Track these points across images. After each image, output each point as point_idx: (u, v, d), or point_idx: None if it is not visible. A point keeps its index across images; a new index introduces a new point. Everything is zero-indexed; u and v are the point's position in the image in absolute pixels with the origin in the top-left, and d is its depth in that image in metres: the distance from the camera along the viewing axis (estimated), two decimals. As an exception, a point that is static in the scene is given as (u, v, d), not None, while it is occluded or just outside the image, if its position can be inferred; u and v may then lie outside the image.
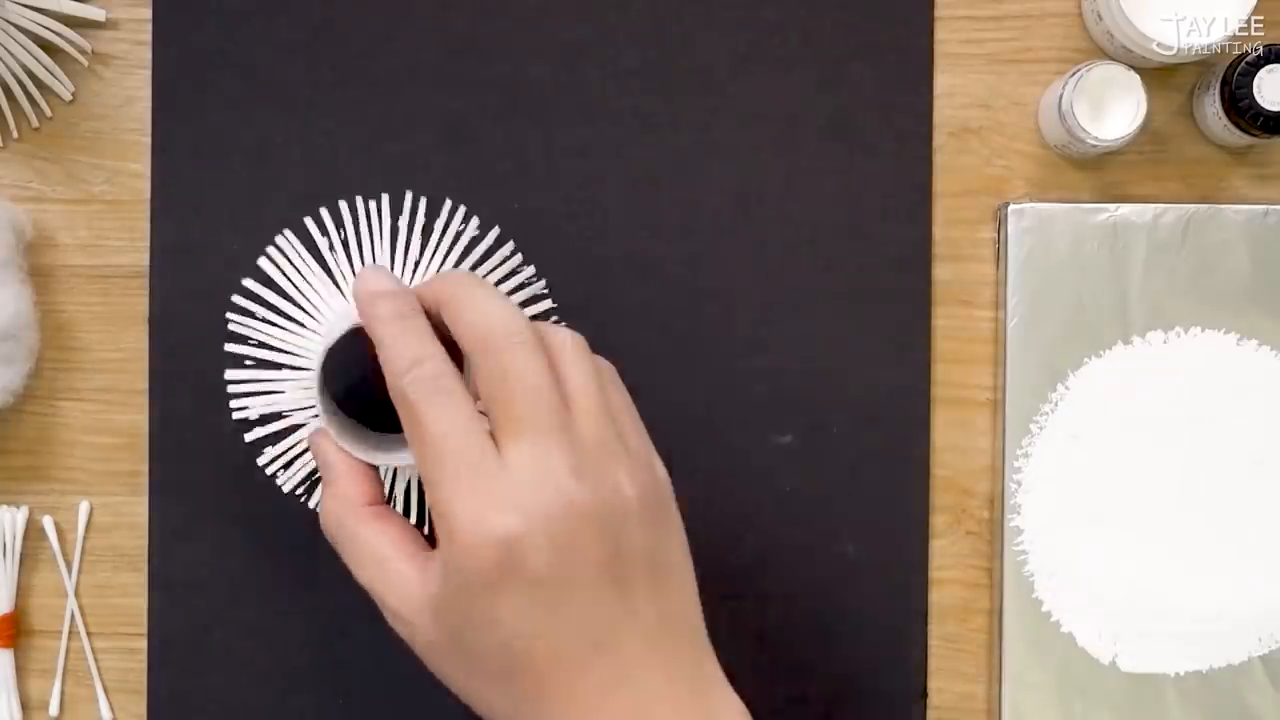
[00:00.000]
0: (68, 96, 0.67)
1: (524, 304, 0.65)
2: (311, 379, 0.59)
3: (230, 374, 0.63)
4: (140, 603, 0.67)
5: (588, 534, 0.48)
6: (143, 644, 0.67)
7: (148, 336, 0.67)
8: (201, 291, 0.67)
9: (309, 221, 0.63)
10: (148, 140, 0.67)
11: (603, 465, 0.49)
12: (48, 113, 0.67)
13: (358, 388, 0.57)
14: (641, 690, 0.48)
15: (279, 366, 0.62)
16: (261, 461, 0.65)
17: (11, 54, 0.65)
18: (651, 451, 0.52)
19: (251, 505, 0.67)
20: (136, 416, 0.67)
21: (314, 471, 0.65)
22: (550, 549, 0.47)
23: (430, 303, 0.53)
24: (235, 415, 0.64)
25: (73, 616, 0.67)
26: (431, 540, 0.51)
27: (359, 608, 0.66)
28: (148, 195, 0.67)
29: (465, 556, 0.47)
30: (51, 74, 0.66)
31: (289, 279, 0.62)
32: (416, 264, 0.62)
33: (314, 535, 0.67)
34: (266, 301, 0.62)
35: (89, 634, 0.68)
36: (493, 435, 0.49)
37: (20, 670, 0.68)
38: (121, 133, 0.67)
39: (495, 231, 0.64)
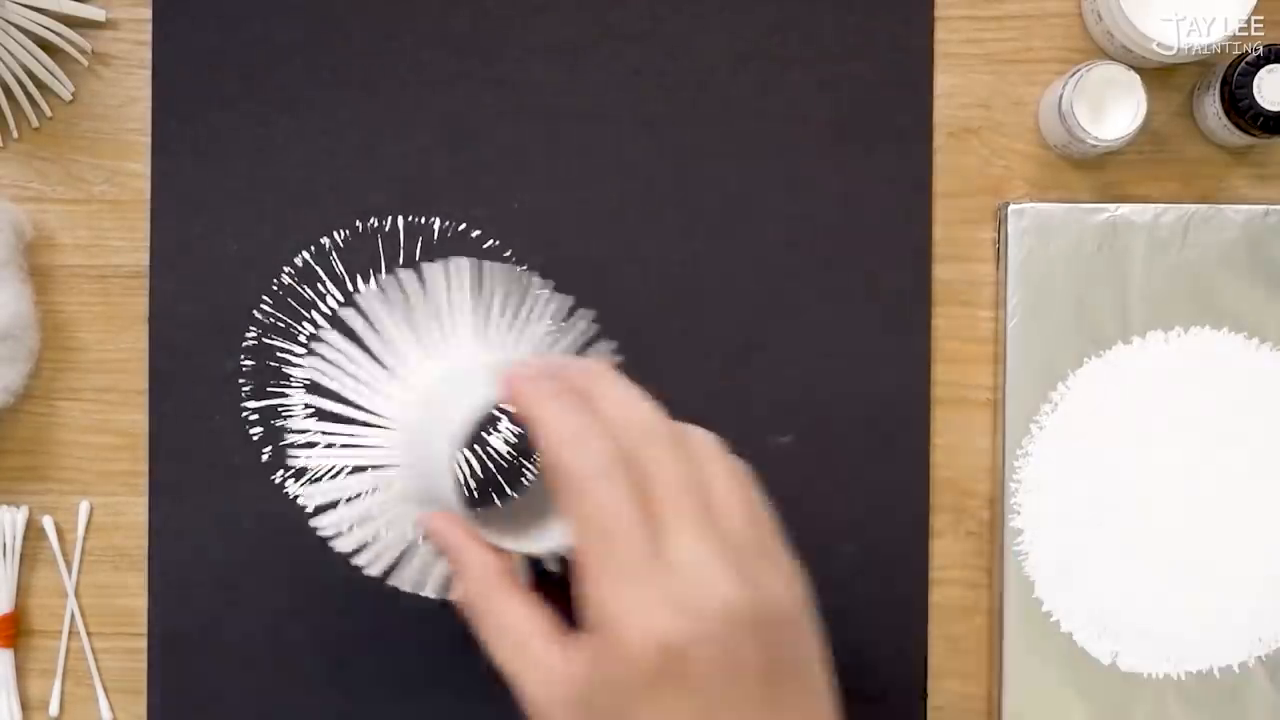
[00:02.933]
0: (68, 96, 0.67)
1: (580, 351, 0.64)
2: (387, 440, 0.56)
3: (297, 423, 0.63)
4: (140, 603, 0.67)
5: (749, 641, 0.46)
6: (143, 644, 0.67)
7: (148, 336, 0.67)
8: (201, 291, 0.67)
9: (401, 274, 0.60)
10: (148, 140, 0.67)
11: (759, 569, 0.47)
12: (48, 113, 0.67)
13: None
14: None
15: (353, 421, 0.58)
16: (325, 533, 0.60)
17: (11, 54, 0.65)
18: (787, 552, 0.50)
19: (251, 505, 0.67)
20: (136, 416, 0.67)
21: (334, 504, 0.60)
22: (712, 655, 0.45)
23: (565, 392, 0.51)
24: (302, 461, 0.61)
25: (73, 616, 0.67)
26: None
27: (359, 608, 0.67)
28: (148, 195, 0.67)
29: (622, 655, 0.45)
30: (51, 74, 0.66)
31: (374, 327, 0.59)
32: (481, 330, 0.59)
33: (313, 536, 0.67)
34: (344, 351, 0.59)
35: (89, 634, 0.68)
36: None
37: (20, 670, 0.68)
38: (121, 133, 0.67)
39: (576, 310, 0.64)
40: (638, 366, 0.67)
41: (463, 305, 0.59)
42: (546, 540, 0.54)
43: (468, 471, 0.67)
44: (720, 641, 0.45)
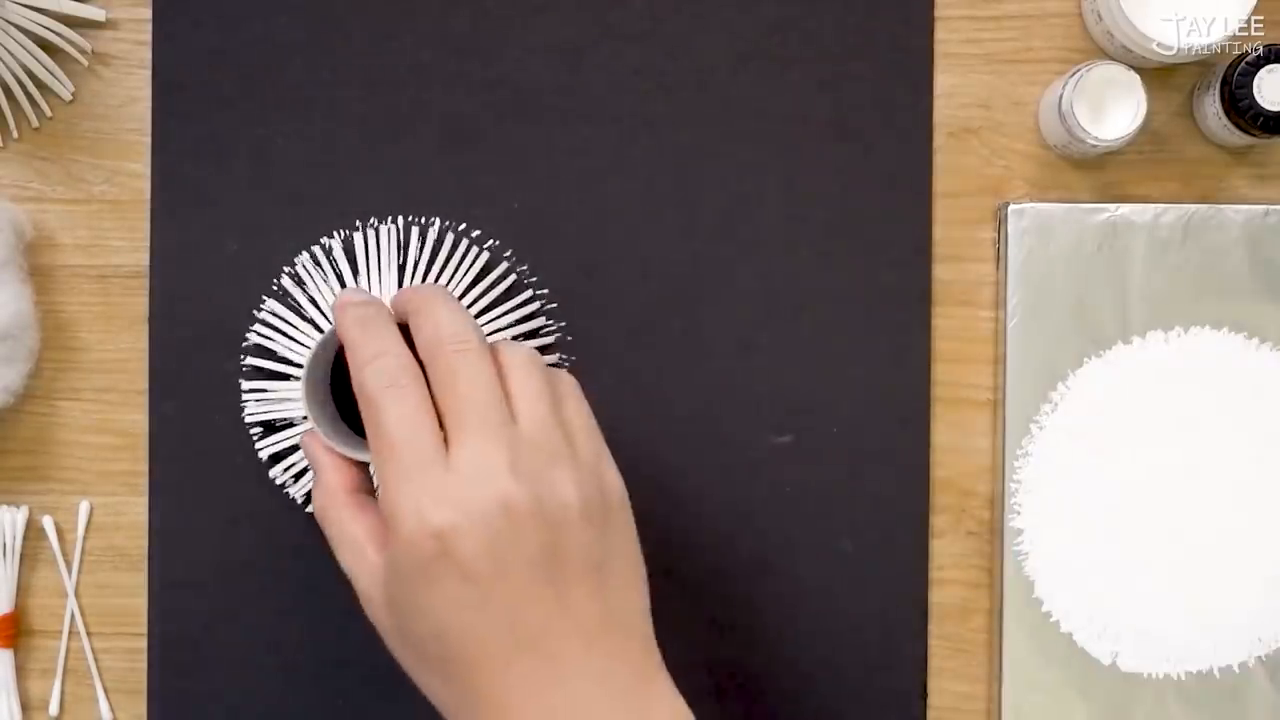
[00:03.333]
0: (68, 96, 0.67)
1: (528, 333, 0.66)
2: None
3: (245, 384, 0.66)
4: (140, 603, 0.67)
5: (523, 532, 0.49)
6: (143, 644, 0.67)
7: (148, 336, 0.67)
8: (201, 291, 0.67)
9: (329, 242, 0.66)
10: (148, 140, 0.67)
11: (544, 467, 0.50)
12: (48, 113, 0.67)
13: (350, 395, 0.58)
14: (576, 692, 0.49)
15: (290, 377, 0.66)
16: (273, 474, 0.66)
17: (11, 54, 0.65)
18: (603, 460, 0.53)
19: (251, 505, 0.67)
20: (136, 416, 0.67)
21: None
22: (482, 543, 0.48)
23: (400, 315, 0.55)
24: (247, 418, 0.66)
25: (73, 616, 0.67)
26: None
27: (359, 607, 0.67)
28: (148, 195, 0.67)
29: (403, 547, 0.49)
30: (51, 74, 0.66)
31: (310, 297, 0.65)
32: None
33: (314, 535, 0.67)
34: (285, 318, 0.66)
35: (89, 634, 0.68)
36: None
37: (20, 670, 0.68)
38: (121, 133, 0.67)
39: (500, 260, 0.67)
40: (638, 366, 0.67)
41: (387, 266, 0.65)
42: None
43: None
44: (491, 531, 0.49)
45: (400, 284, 0.65)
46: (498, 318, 0.65)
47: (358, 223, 0.67)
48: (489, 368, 0.52)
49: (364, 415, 0.51)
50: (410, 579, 0.49)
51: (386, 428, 0.50)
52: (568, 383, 0.55)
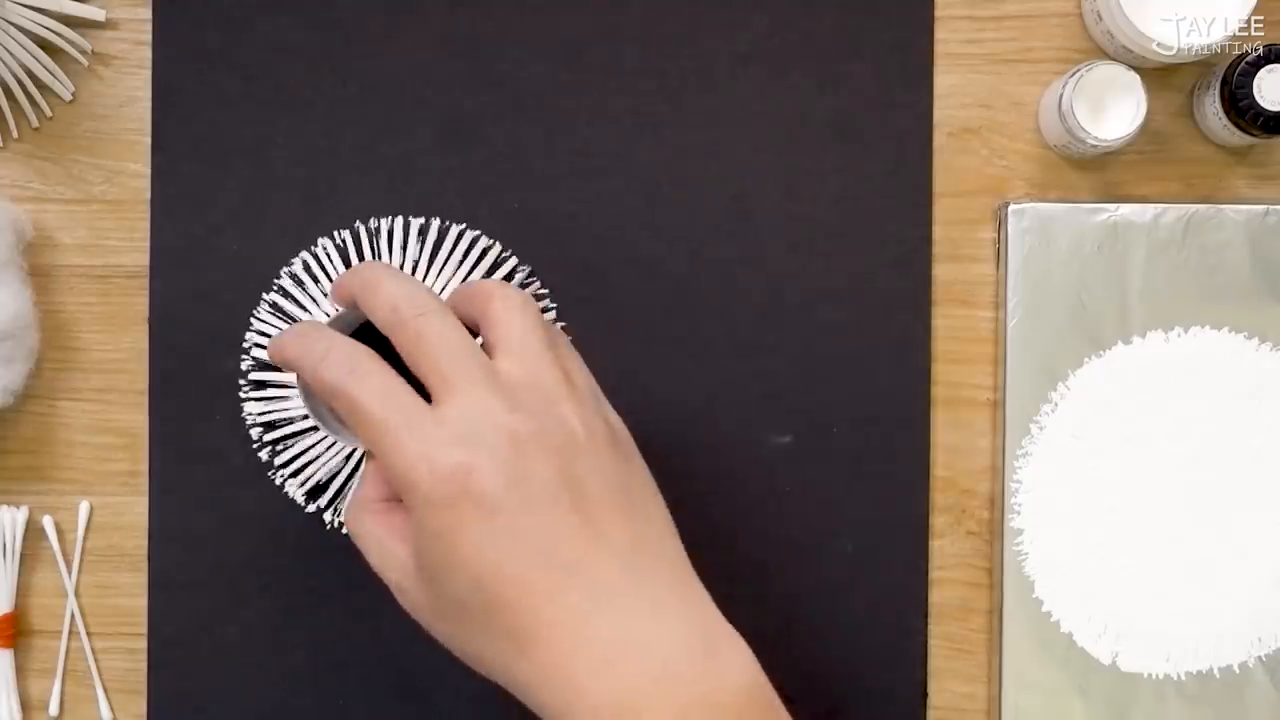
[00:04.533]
0: (68, 96, 0.67)
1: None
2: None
3: (245, 384, 0.66)
4: (140, 603, 0.67)
5: (536, 458, 0.48)
6: (143, 644, 0.67)
7: (148, 336, 0.67)
8: (201, 291, 0.67)
9: (327, 241, 0.66)
10: (148, 140, 0.67)
11: (541, 400, 0.50)
12: (48, 113, 0.67)
13: None
14: (623, 613, 0.48)
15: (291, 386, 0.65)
16: (273, 474, 0.66)
17: (11, 54, 0.65)
18: (603, 402, 0.53)
19: (251, 505, 0.67)
20: (136, 416, 0.67)
21: (320, 480, 0.66)
22: (499, 473, 0.48)
23: (347, 301, 0.55)
24: (247, 419, 0.66)
25: (73, 616, 0.67)
26: None
27: (359, 608, 0.67)
28: (148, 195, 0.67)
29: (423, 504, 0.48)
30: (51, 74, 0.66)
31: (301, 305, 0.65)
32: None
33: (313, 536, 0.67)
34: (286, 314, 0.66)
35: (89, 634, 0.68)
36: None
37: (20, 670, 0.68)
38: (121, 133, 0.67)
39: (499, 248, 0.67)
40: (638, 366, 0.67)
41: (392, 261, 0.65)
42: None
43: None
44: (501, 461, 0.48)
45: None
46: None
47: (358, 223, 0.67)
48: (453, 324, 0.51)
49: (339, 412, 0.51)
50: (437, 534, 0.48)
51: (364, 407, 0.49)
52: (559, 332, 0.54)
